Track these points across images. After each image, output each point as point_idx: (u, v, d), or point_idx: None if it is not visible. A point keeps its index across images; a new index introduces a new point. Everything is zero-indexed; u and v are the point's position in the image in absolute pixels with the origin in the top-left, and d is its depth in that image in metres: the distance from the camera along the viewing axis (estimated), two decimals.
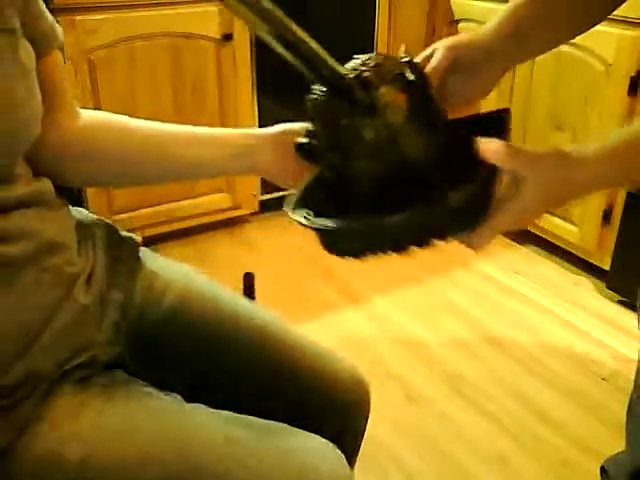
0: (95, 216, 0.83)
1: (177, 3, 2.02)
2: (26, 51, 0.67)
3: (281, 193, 2.47)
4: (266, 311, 0.87)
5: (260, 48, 2.21)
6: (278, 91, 2.32)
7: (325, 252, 0.65)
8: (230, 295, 0.86)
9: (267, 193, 2.43)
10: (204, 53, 2.11)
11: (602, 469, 1.18)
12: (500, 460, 1.46)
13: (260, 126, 2.27)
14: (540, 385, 1.70)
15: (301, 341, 0.85)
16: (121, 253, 0.81)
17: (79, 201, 1.98)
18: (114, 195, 2.11)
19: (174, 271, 0.85)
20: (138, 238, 0.85)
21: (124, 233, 0.83)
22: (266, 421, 0.72)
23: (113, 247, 0.80)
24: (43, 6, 0.73)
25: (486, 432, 1.54)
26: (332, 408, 0.80)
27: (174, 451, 0.65)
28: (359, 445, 0.89)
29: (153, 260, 0.85)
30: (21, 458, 0.63)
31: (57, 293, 0.68)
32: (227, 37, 2.12)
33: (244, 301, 0.88)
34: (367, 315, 1.97)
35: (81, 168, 0.78)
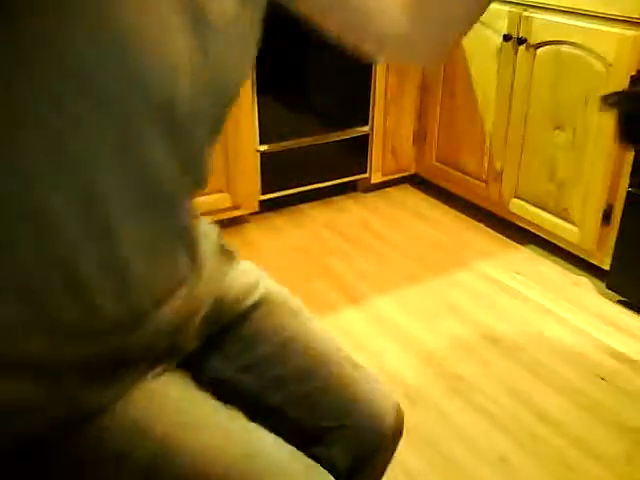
0: (208, 222, 0.88)
1: None
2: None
3: (281, 193, 2.48)
4: (325, 332, 0.90)
5: (260, 47, 2.20)
6: (278, 91, 2.31)
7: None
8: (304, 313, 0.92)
9: (267, 193, 2.42)
10: None
11: None
12: (500, 460, 1.47)
13: (260, 127, 2.27)
14: (540, 385, 1.70)
15: (349, 361, 0.88)
16: (225, 258, 0.87)
17: None
18: None
19: (257, 275, 0.92)
20: (234, 247, 0.91)
21: (224, 241, 0.90)
22: (314, 462, 0.75)
23: (220, 253, 0.86)
24: None
25: (486, 432, 1.54)
26: (372, 433, 0.84)
27: (237, 466, 0.68)
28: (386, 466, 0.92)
29: (241, 263, 0.91)
30: (115, 420, 0.66)
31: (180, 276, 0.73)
32: None
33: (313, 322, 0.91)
34: (367, 315, 1.97)
35: None
